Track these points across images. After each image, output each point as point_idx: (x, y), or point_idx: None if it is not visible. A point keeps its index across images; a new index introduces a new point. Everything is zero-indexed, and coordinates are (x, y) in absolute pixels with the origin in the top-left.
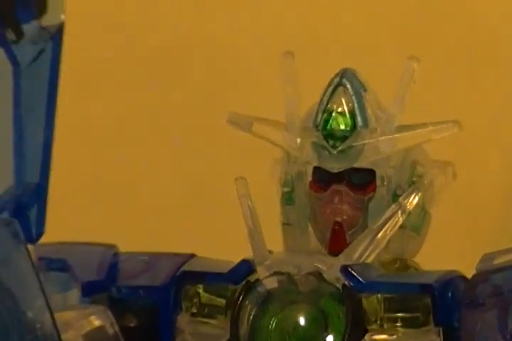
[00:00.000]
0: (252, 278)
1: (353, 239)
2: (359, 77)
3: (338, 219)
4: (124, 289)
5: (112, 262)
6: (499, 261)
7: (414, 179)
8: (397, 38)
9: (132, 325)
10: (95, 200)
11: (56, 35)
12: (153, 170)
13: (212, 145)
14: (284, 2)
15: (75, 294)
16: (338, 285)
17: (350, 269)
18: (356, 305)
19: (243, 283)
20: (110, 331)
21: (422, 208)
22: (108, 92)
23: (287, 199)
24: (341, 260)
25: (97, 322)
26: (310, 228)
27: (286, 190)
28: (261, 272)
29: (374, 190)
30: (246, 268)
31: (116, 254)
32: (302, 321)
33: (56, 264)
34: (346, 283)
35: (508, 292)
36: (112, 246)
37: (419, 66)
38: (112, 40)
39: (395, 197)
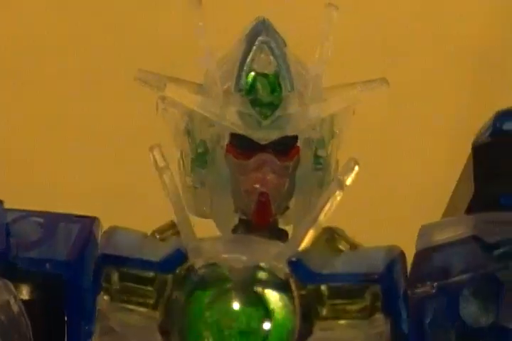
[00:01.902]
0: (185, 267)
1: (278, 208)
2: (275, 28)
3: (264, 189)
4: (23, 260)
5: (3, 224)
6: (439, 236)
7: (336, 131)
8: None
9: (33, 298)
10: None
11: None
12: None
13: None
14: None
15: None
16: (281, 276)
17: (296, 261)
18: (300, 297)
19: (176, 272)
20: (15, 307)
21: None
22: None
23: (200, 161)
24: (285, 249)
25: (1, 298)
26: (228, 193)
27: (200, 151)
28: (196, 263)
29: (297, 155)
30: (179, 257)
31: (4, 212)
32: (241, 312)
33: None
34: (293, 275)
35: (456, 275)
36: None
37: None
38: None
39: (318, 159)
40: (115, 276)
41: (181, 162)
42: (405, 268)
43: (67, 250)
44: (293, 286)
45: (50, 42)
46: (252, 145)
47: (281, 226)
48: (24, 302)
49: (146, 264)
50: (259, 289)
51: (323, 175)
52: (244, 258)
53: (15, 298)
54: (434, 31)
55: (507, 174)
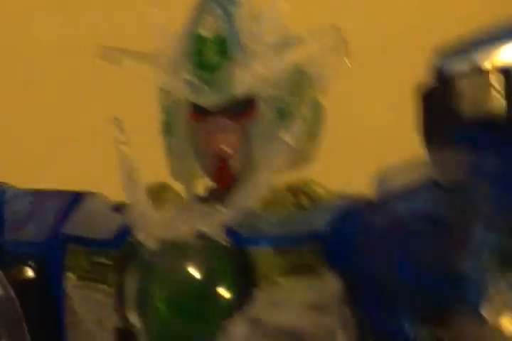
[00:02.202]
0: (132, 241)
1: (238, 169)
2: None
3: (221, 152)
4: (8, 242)
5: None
6: (395, 182)
7: (299, 81)
8: None
9: (24, 278)
10: None
11: None
12: None
13: None
14: None
15: None
16: (223, 241)
17: (233, 227)
18: (243, 262)
19: (124, 247)
20: (0, 291)
21: (313, 105)
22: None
23: (167, 128)
24: (224, 214)
25: None
26: (192, 158)
27: (164, 118)
28: (141, 237)
29: (255, 114)
30: (125, 234)
31: (3, 193)
32: (190, 279)
33: None
34: (233, 241)
35: (410, 223)
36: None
37: None
38: None
39: (281, 112)
40: (76, 254)
41: None
42: (360, 217)
43: (49, 229)
44: (234, 250)
45: (50, 42)
46: (207, 109)
47: None
48: (14, 282)
49: (98, 242)
50: (204, 258)
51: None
52: (186, 227)
53: (1, 281)
54: None
55: (456, 113)
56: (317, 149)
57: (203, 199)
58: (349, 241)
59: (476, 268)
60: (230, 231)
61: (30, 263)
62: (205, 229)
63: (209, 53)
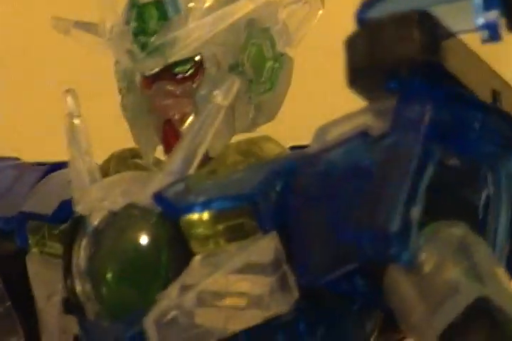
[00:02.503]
0: (76, 215)
1: None
2: None
3: (167, 116)
4: None
5: None
6: (333, 134)
7: (253, 41)
8: None
9: (3, 253)
10: None
11: None
12: None
13: None
14: None
15: None
16: (155, 209)
17: (162, 196)
18: (177, 229)
19: (69, 221)
20: None
21: (277, 58)
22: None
23: (124, 95)
24: (157, 181)
25: None
26: (144, 123)
27: (122, 85)
28: (79, 210)
29: (201, 74)
30: (67, 208)
31: None
32: (130, 249)
33: None
34: (167, 209)
35: (337, 176)
36: None
37: None
38: None
39: (234, 69)
40: (37, 229)
41: None
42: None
43: (21, 203)
44: (168, 218)
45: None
46: (152, 75)
47: None
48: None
49: (46, 218)
50: (138, 226)
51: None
52: (119, 199)
53: None
54: None
55: (378, 58)
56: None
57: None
58: (280, 200)
59: (398, 221)
60: (159, 200)
61: (9, 238)
62: (137, 200)
63: (149, 18)
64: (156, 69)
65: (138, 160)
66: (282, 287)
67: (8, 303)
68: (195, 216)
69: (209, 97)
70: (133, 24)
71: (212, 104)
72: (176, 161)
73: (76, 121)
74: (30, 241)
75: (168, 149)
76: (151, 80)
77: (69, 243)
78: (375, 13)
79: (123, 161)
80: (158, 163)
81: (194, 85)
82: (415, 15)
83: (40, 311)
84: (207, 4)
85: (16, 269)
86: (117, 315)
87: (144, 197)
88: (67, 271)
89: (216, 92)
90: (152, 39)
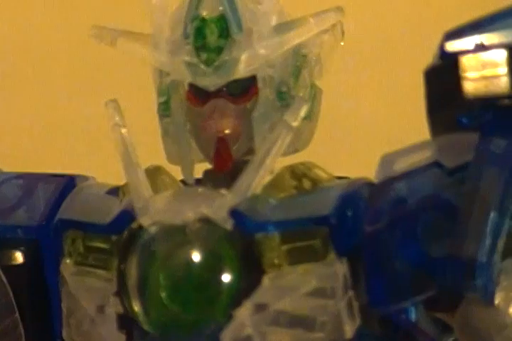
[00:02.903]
0: (134, 226)
1: (239, 152)
2: None
3: (221, 134)
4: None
5: None
6: (400, 164)
7: (298, 63)
8: None
9: (12, 264)
10: None
11: None
12: None
13: None
14: None
15: None
16: (227, 226)
17: (239, 211)
18: (249, 247)
19: (125, 232)
20: None
21: (311, 87)
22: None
23: (164, 110)
24: (229, 198)
25: None
26: (191, 141)
27: (162, 100)
28: (144, 221)
29: (256, 95)
30: (127, 218)
31: None
32: (194, 265)
33: None
34: (237, 225)
35: (414, 205)
36: None
37: None
38: None
39: (281, 95)
40: (76, 240)
41: None
42: (367, 199)
43: (43, 213)
44: (240, 236)
45: (46, 24)
46: (206, 91)
47: None
48: (5, 268)
49: (97, 228)
50: (207, 243)
51: (293, 111)
52: (189, 212)
53: None
54: None
55: (460, 95)
56: (315, 132)
57: (200, 183)
58: (354, 225)
59: (485, 253)
60: (236, 216)
61: (21, 248)
62: (209, 213)
63: (210, 34)
64: (218, 85)
65: (165, 178)
66: (348, 313)
67: (16, 315)
68: (267, 234)
69: (277, 119)
70: (193, 38)
71: (283, 126)
72: (247, 180)
73: (124, 132)
74: (64, 250)
75: (220, 167)
76: (204, 97)
77: (124, 255)
78: (458, 42)
79: (152, 178)
80: (197, 181)
81: (248, 105)
82: (503, 46)
83: (87, 318)
84: (271, 24)
85: (25, 280)
86: (176, 331)
87: (216, 212)
88: (121, 284)
89: (287, 114)
90: (216, 55)
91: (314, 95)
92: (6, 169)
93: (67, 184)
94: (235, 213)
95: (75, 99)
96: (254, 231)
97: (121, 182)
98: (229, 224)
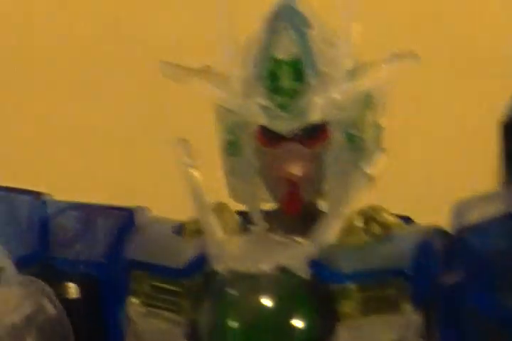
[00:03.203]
0: (207, 271)
1: (309, 195)
2: (299, 6)
3: (293, 178)
4: (59, 261)
5: (43, 219)
6: (473, 214)
7: (366, 105)
8: None
9: (72, 297)
10: None
11: None
12: None
13: None
14: None
15: None
16: (304, 275)
17: (316, 261)
18: (325, 296)
19: (198, 277)
20: (51, 310)
21: (375, 126)
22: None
23: (232, 149)
24: (307, 248)
25: (37, 302)
26: (259, 180)
27: (229, 138)
28: (218, 268)
29: (327, 139)
30: (200, 263)
31: (44, 204)
32: (268, 312)
33: None
34: (315, 276)
35: (489, 257)
36: (38, 194)
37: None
38: None
39: (351, 137)
40: (143, 280)
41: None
42: (441, 250)
43: (103, 249)
44: (317, 286)
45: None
46: (278, 133)
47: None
48: (63, 301)
49: (169, 271)
50: (283, 291)
51: (358, 154)
52: (266, 260)
53: (51, 300)
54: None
55: None
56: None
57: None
58: (430, 276)
59: None
60: (313, 266)
61: (79, 282)
62: (287, 262)
63: (284, 77)
64: (293, 130)
65: (229, 215)
66: None
67: None
68: (344, 285)
69: (352, 165)
70: (266, 80)
71: (360, 174)
72: (324, 229)
73: (196, 174)
74: (130, 289)
75: (291, 211)
76: (276, 139)
77: (196, 300)
78: None
79: (218, 215)
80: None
81: (319, 149)
82: None
83: None
84: (345, 68)
85: (81, 314)
86: None
87: (294, 262)
88: (193, 328)
89: (364, 161)
90: (291, 99)
91: (377, 136)
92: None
93: (127, 218)
94: (312, 263)
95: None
96: (331, 282)
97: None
98: (306, 273)
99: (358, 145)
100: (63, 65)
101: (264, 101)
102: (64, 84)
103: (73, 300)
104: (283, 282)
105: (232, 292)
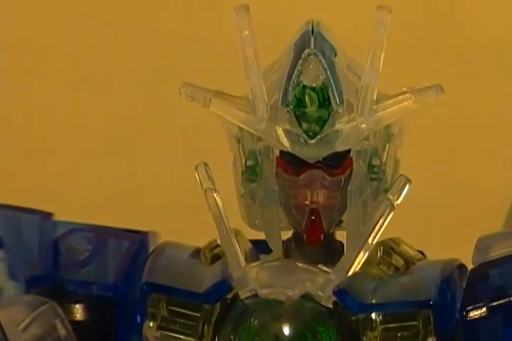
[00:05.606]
0: (230, 296)
1: (330, 223)
2: (326, 34)
3: (314, 206)
4: (70, 282)
5: (53, 240)
6: (497, 250)
7: (388, 135)
8: None
9: (83, 319)
10: None
11: None
12: None
13: None
14: None
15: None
16: (329, 303)
17: (342, 291)
18: (348, 325)
19: (220, 302)
20: (62, 331)
21: (394, 158)
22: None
23: (251, 174)
24: (333, 277)
25: (48, 322)
26: (279, 207)
27: (250, 164)
28: (243, 294)
29: (350, 168)
30: (223, 288)
31: (54, 225)
32: (290, 339)
33: None
34: (341, 305)
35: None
36: (48, 214)
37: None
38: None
39: (373, 168)
40: (161, 304)
41: (234, 168)
42: (462, 284)
43: (115, 270)
44: (340, 315)
45: (49, 42)
46: (301, 160)
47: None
48: (74, 323)
49: (190, 295)
50: (306, 319)
51: (379, 184)
52: (289, 288)
53: (62, 321)
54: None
55: None
56: None
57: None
58: (454, 308)
59: None
60: (339, 295)
61: (92, 304)
62: (314, 291)
63: (311, 103)
64: (319, 157)
65: (243, 241)
66: None
67: None
68: (368, 315)
69: (376, 194)
70: (293, 107)
71: (386, 205)
72: (350, 259)
73: (217, 197)
74: (148, 313)
75: (312, 240)
76: (299, 166)
77: (217, 325)
78: None
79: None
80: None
81: (342, 177)
82: None
83: None
84: (372, 98)
85: (94, 335)
86: None
87: (321, 291)
88: None
89: (390, 192)
90: (318, 126)
91: (396, 169)
92: None
93: (139, 240)
94: (338, 292)
95: None
96: (356, 312)
97: None
98: (330, 302)
99: (379, 175)
100: (63, 65)
101: (289, 127)
102: (64, 84)
103: (84, 321)
104: (307, 310)
105: (255, 318)
